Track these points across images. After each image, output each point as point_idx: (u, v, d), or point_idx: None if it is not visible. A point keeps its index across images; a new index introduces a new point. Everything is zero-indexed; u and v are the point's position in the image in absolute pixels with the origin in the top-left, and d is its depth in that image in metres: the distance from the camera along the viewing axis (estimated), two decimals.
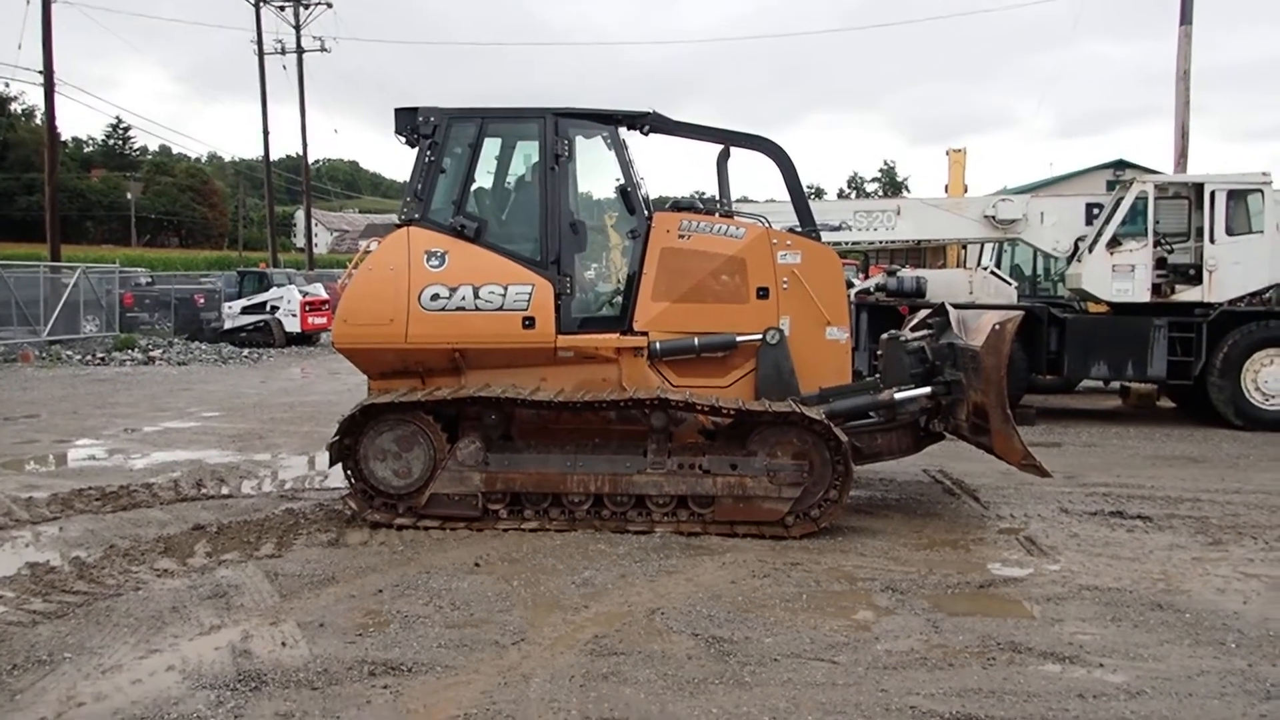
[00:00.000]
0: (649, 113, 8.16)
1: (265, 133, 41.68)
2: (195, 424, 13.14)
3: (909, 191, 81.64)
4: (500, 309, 7.67)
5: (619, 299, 8.06)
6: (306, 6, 42.84)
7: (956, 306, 8.68)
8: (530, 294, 7.68)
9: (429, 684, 4.70)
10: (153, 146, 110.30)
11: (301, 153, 47.77)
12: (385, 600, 5.87)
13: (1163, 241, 13.67)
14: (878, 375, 8.35)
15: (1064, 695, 4.62)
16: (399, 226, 7.93)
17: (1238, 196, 13.45)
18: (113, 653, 5.04)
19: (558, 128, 7.82)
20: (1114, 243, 13.70)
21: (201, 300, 29.32)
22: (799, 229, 8.16)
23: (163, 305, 29.35)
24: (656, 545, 7.05)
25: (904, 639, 5.34)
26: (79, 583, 6.16)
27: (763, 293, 7.90)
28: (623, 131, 8.12)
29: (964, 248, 19.86)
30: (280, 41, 42.85)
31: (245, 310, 27.88)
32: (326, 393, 16.88)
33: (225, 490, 8.92)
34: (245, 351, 25.42)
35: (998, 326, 7.35)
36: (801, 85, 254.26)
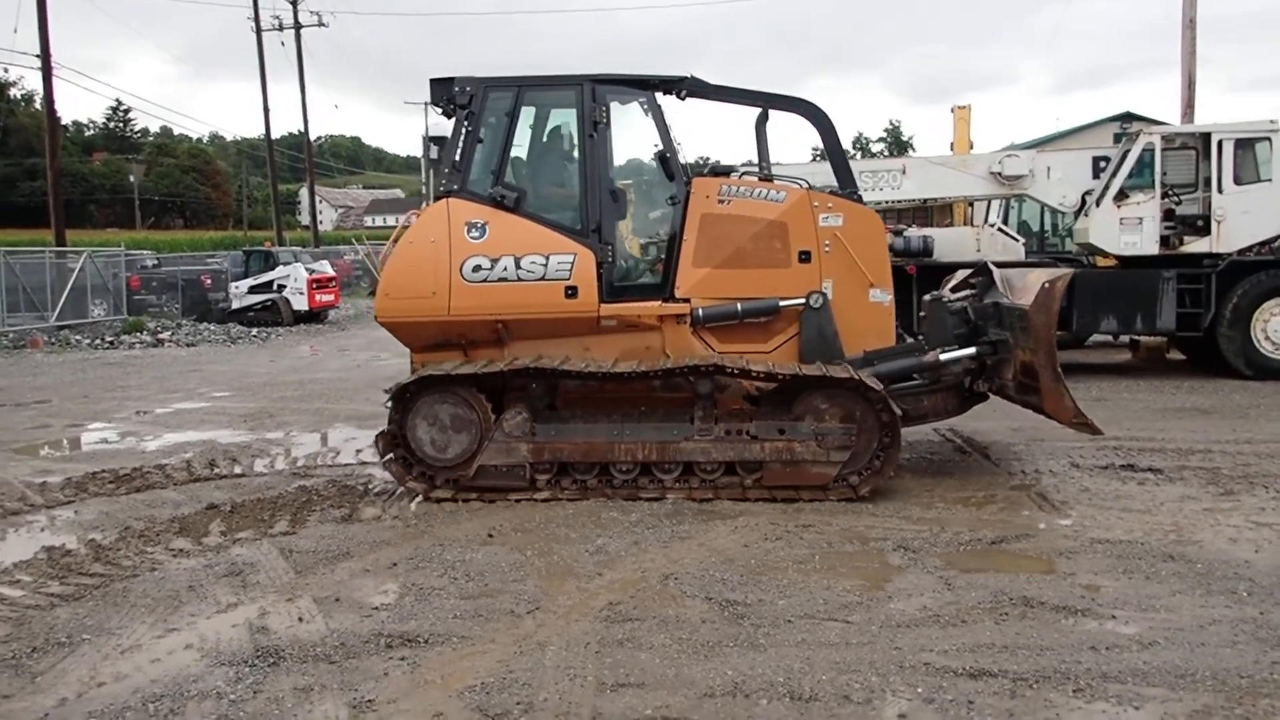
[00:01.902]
0: (686, 78, 8.05)
1: (266, 111, 41.64)
2: (206, 404, 13.19)
3: (914, 151, 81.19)
4: (542, 279, 7.64)
5: (659, 266, 8.01)
6: None
7: (999, 265, 8.65)
8: (572, 263, 7.64)
9: (445, 655, 4.73)
10: (154, 128, 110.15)
11: (303, 130, 47.67)
12: (400, 573, 5.91)
13: (1170, 193, 13.57)
14: (920, 336, 8.29)
15: (1077, 648, 4.64)
16: (437, 198, 7.87)
17: (1245, 145, 13.33)
18: (131, 633, 5.09)
19: (595, 94, 7.76)
20: (1121, 196, 13.60)
21: (208, 281, 29.34)
22: (837, 190, 8.08)
23: (170, 287, 29.37)
24: (669, 511, 7.07)
25: (917, 597, 5.36)
26: (95, 565, 6.20)
27: (804, 256, 7.84)
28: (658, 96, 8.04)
29: (971, 205, 19.75)
30: (278, 18, 42.71)
31: (252, 290, 27.88)
32: (336, 370, 16.92)
33: (238, 469, 8.96)
34: (253, 331, 25.47)
35: (1047, 285, 7.31)
36: (800, 48, 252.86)
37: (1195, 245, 13.40)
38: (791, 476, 7.34)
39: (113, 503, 7.84)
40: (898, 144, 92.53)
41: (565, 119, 8.12)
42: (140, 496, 8.03)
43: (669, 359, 7.61)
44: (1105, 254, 13.97)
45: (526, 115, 8.04)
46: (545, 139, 8.29)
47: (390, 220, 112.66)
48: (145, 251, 38.06)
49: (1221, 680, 4.31)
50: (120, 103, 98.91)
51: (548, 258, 7.64)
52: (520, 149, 8.06)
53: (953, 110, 20.14)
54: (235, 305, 27.69)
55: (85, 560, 6.29)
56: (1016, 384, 7.80)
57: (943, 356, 7.94)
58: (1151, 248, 13.40)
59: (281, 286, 27.65)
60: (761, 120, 8.33)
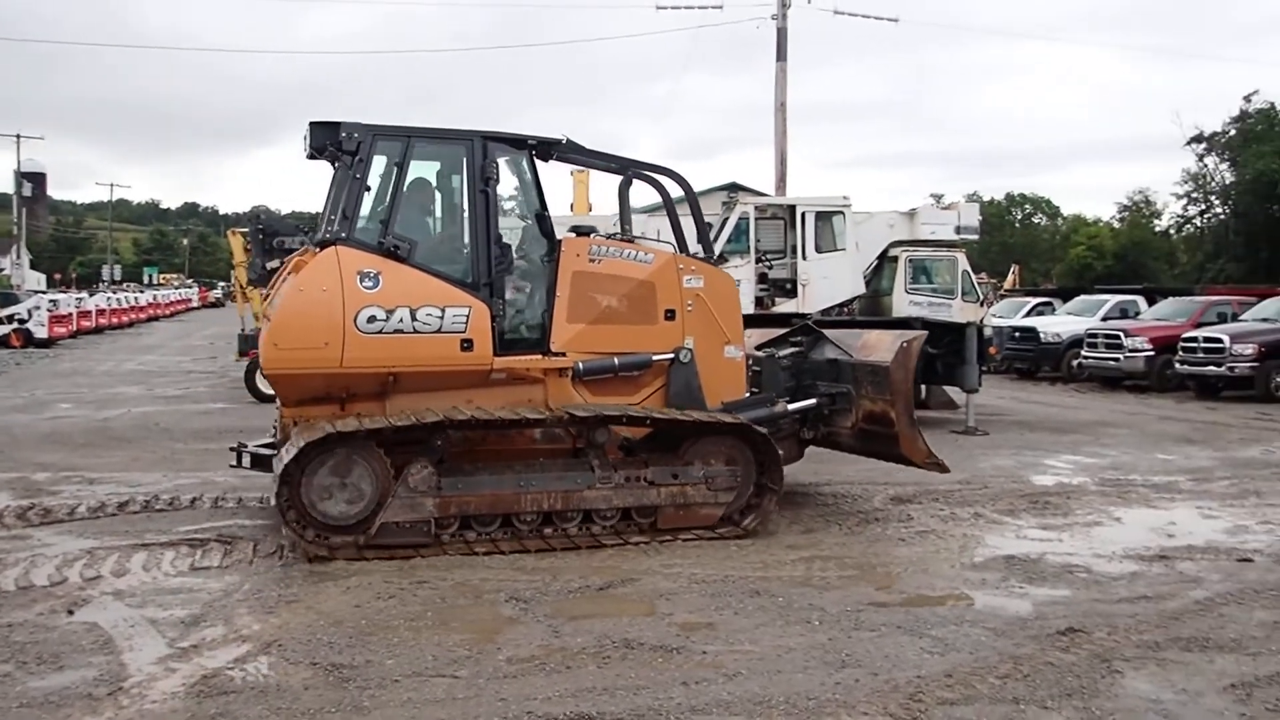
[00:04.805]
0: (561, 140, 8.32)
1: None
2: None
3: None
4: (439, 331, 7.53)
5: (536, 321, 8.09)
6: None
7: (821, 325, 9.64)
8: (468, 316, 7.59)
9: None
10: None
11: None
12: None
13: (764, 258, 14.94)
14: (754, 390, 8.94)
15: (669, 685, 4.93)
16: (322, 245, 7.55)
17: (824, 217, 14.99)
18: None
19: (486, 150, 7.81)
20: (721, 259, 14.76)
21: None
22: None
23: None
24: (278, 575, 6.78)
25: (525, 646, 5.47)
26: None
27: (670, 314, 8.29)
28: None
29: None
30: None
31: None
32: None
33: None
34: None
35: (905, 344, 8.32)
36: (426, 106, 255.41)
37: (785, 306, 14.83)
38: (684, 519, 7.81)
39: None
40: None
41: (455, 172, 8.05)
42: None
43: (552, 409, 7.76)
44: None
45: (416, 165, 7.90)
46: (432, 190, 8.21)
47: None
48: None
49: (793, 703, 4.74)
50: None
51: (444, 310, 7.55)
52: (408, 199, 7.88)
53: (572, 174, 20.99)
54: None
55: None
56: (857, 432, 8.77)
57: (790, 407, 8.71)
58: (748, 308, 14.61)
59: None
60: (625, 185, 8.71)
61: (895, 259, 15.99)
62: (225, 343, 28.71)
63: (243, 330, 19.98)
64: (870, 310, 16.13)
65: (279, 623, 5.83)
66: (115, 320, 42.01)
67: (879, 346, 8.65)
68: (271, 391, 16.25)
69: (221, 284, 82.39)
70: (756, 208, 15.18)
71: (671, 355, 8.28)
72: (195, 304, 70.90)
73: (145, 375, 22.11)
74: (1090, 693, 4.90)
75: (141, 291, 57.65)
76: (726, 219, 15.03)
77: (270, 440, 8.60)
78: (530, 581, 6.68)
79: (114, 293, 50.34)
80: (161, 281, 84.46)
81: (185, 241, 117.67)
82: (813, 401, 9.00)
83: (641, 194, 8.99)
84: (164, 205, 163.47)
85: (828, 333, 9.48)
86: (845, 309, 15.76)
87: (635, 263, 8.32)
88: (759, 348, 9.66)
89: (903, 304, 15.58)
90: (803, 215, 14.80)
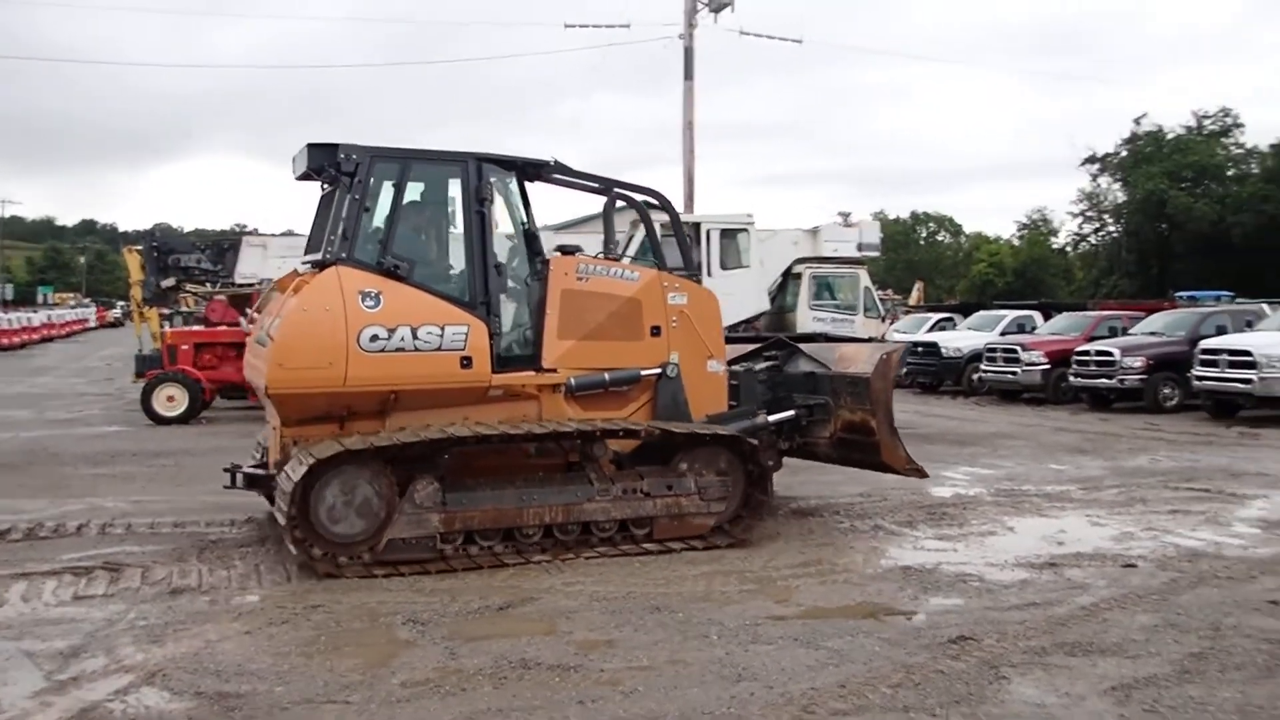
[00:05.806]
0: (549, 162, 8.47)
1: None
2: None
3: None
4: (439, 349, 7.63)
5: (527, 338, 8.22)
6: None
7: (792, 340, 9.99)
8: (466, 334, 7.69)
9: None
10: None
11: None
12: None
13: None
14: (733, 403, 9.13)
15: (566, 704, 4.90)
16: (321, 266, 7.60)
17: (729, 235, 15.15)
18: None
19: (481, 171, 7.93)
20: None
21: None
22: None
23: None
24: (165, 604, 6.58)
25: (420, 669, 5.40)
26: None
27: (656, 331, 8.49)
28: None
29: None
30: None
31: None
32: None
33: None
34: None
35: (885, 356, 8.80)
36: (337, 121, 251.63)
37: None
38: (678, 529, 8.01)
39: None
40: None
41: (452, 193, 8.12)
42: None
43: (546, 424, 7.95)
44: None
45: (413, 186, 8.02)
46: (429, 210, 8.24)
47: None
48: None
49: (688, 718, 4.75)
50: None
51: (443, 328, 7.65)
52: (406, 219, 7.94)
53: None
54: None
55: None
56: (836, 441, 9.12)
57: (771, 418, 9.04)
58: None
59: None
60: (609, 205, 8.93)
61: (799, 276, 16.22)
62: (123, 363, 27.85)
63: (140, 350, 19.45)
64: (775, 326, 16.31)
65: (164, 652, 5.65)
66: (5, 341, 40.51)
67: (857, 359, 9.10)
68: (167, 414, 16.06)
69: (120, 303, 79.88)
70: (662, 225, 15.23)
71: (659, 370, 8.48)
72: (93, 324, 68.61)
73: (36, 398, 21.32)
74: (978, 699, 5.00)
75: (34, 311, 55.71)
76: (633, 236, 15.08)
77: (260, 461, 8.56)
78: (429, 603, 6.59)
79: (4, 312, 48.56)
80: (57, 301, 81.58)
81: (82, 260, 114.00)
82: (792, 413, 9.31)
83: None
84: (60, 222, 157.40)
85: (803, 346, 9.90)
86: (751, 325, 15.92)
87: (622, 280, 8.50)
88: (733, 362, 9.86)
89: (806, 320, 15.81)
90: (707, 233, 14.95)
